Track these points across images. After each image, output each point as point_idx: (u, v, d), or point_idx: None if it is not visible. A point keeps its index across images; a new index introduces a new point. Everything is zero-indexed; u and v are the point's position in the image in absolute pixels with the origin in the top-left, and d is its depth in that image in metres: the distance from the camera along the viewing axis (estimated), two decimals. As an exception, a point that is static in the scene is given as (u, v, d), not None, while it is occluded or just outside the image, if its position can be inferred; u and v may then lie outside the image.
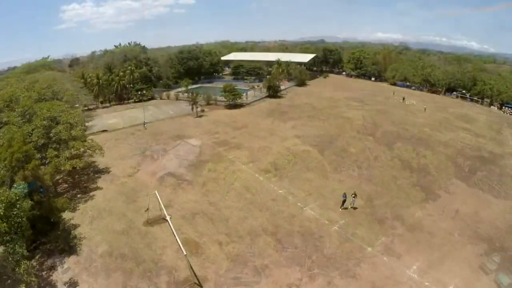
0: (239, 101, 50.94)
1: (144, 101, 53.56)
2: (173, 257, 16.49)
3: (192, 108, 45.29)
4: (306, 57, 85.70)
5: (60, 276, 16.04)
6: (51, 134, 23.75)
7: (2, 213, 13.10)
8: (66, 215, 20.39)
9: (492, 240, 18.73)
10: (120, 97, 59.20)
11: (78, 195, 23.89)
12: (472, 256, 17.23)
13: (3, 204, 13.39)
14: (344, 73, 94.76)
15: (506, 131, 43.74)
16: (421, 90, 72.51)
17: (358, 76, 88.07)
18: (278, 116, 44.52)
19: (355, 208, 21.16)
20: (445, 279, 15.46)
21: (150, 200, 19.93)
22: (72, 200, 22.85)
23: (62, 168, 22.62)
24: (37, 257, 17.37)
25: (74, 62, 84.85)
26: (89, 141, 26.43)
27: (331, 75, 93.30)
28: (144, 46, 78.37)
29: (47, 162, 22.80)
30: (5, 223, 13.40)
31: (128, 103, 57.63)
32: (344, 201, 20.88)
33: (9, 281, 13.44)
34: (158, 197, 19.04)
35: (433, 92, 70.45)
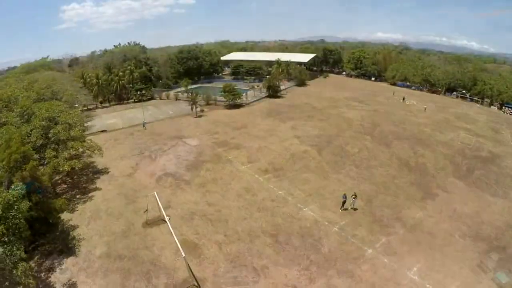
0: (238, 101, 50.85)
1: (144, 101, 53.46)
2: (172, 258, 16.35)
3: (192, 108, 45.19)
4: (306, 57, 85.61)
5: (58, 277, 15.93)
6: (49, 135, 23.68)
7: (-1, 215, 13.00)
8: (64, 216, 20.35)
9: (493, 240, 18.63)
10: (120, 97, 59.14)
11: (77, 196, 23.80)
12: (473, 257, 17.13)
13: (1, 206, 13.31)
14: (344, 73, 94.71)
15: (506, 131, 43.64)
16: (421, 90, 72.45)
17: (358, 76, 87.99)
18: (277, 116, 44.39)
19: (355, 209, 21.04)
20: (446, 281, 15.35)
21: (149, 201, 19.82)
22: (71, 201, 22.78)
23: (61, 169, 22.57)
24: (35, 258, 17.29)
25: (74, 62, 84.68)
26: (88, 141, 26.34)
27: (331, 75, 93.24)
28: (143, 46, 78.34)
29: (45, 162, 22.68)
30: (2, 225, 13.32)
31: (128, 103, 57.56)
32: (344, 202, 20.77)
33: (6, 283, 13.34)
34: (157, 198, 18.93)
35: (433, 92, 70.38)
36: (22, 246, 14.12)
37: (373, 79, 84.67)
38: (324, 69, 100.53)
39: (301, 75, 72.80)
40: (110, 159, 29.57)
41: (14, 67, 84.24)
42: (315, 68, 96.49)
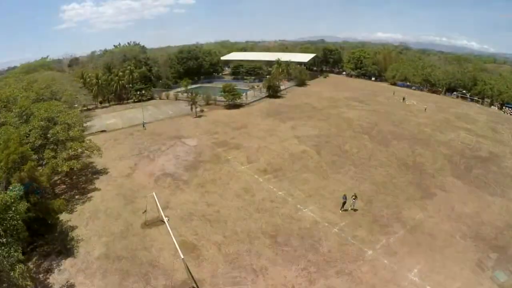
0: (238, 101, 50.77)
1: (144, 101, 53.40)
2: (170, 259, 16.28)
3: (191, 108, 45.11)
4: (306, 57, 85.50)
5: (57, 278, 15.83)
6: (48, 135, 23.59)
7: (-4, 216, 12.91)
8: (63, 216, 20.30)
9: (493, 241, 18.52)
10: (120, 97, 59.06)
11: (76, 196, 23.71)
12: (473, 258, 17.01)
13: (-2, 207, 13.22)
14: (344, 73, 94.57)
15: (506, 131, 43.53)
16: (421, 90, 72.33)
17: (358, 76, 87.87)
18: (277, 116, 44.31)
19: (355, 210, 20.93)
20: (447, 282, 15.24)
21: (147, 202, 19.72)
22: (69, 202, 22.71)
23: (60, 169, 22.48)
24: (34, 259, 17.22)
25: (74, 62, 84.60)
26: (87, 141, 26.28)
27: (331, 75, 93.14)
28: (143, 46, 78.26)
29: (44, 163, 22.59)
30: (0, 226, 13.23)
31: (128, 103, 57.48)
32: (344, 203, 20.64)
33: (4, 285, 13.24)
34: (156, 199, 18.82)
35: (434, 92, 70.26)
36: (20, 248, 14.04)
37: (373, 79, 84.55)
38: (324, 69, 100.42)
39: (301, 75, 72.70)
40: (110, 159, 29.49)
41: (14, 67, 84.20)
42: (315, 68, 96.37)
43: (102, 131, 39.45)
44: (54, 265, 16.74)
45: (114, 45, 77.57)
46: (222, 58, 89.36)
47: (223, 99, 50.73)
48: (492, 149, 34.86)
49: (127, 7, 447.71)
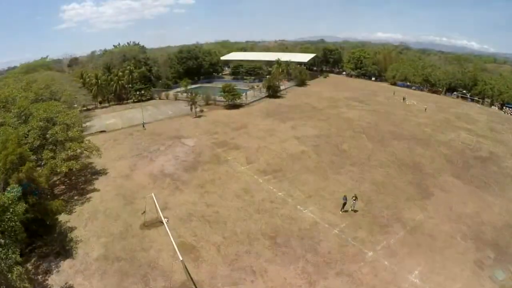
0: (238, 101, 50.67)
1: (143, 101, 53.30)
2: (169, 261, 16.19)
3: (191, 108, 45.01)
4: (306, 57, 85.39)
5: (55, 279, 15.75)
6: (47, 135, 23.49)
7: (-6, 218, 12.82)
8: (62, 217, 20.23)
9: (493, 241, 18.44)
10: (119, 97, 58.99)
11: (75, 197, 23.63)
12: (473, 259, 16.92)
13: (-5, 208, 13.13)
14: (344, 73, 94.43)
15: (507, 132, 43.44)
16: (421, 90, 72.22)
17: (358, 76, 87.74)
18: (277, 117, 44.22)
19: (355, 211, 20.82)
20: (447, 283, 15.15)
21: (146, 203, 19.63)
22: (68, 202, 22.63)
23: (58, 170, 22.39)
24: (32, 261, 17.16)
25: (73, 62, 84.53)
26: (87, 142, 26.21)
27: (331, 75, 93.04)
28: (143, 46, 77.97)
29: (43, 163, 22.50)
30: (-3, 228, 13.15)
31: (127, 103, 57.41)
32: (344, 204, 20.54)
33: (2, 287, 13.15)
34: (155, 200, 18.74)
35: (434, 92, 70.15)
36: (18, 249, 13.95)
37: (373, 79, 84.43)
38: (324, 69, 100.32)
39: (301, 75, 72.58)
40: (109, 160, 29.40)
41: (14, 67, 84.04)
42: (315, 68, 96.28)
43: (102, 131, 39.36)
44: (53, 266, 16.66)
45: (113, 45, 77.29)
46: (222, 58, 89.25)
47: (222, 99, 50.62)
48: (492, 149, 34.77)
49: (127, 7, 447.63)
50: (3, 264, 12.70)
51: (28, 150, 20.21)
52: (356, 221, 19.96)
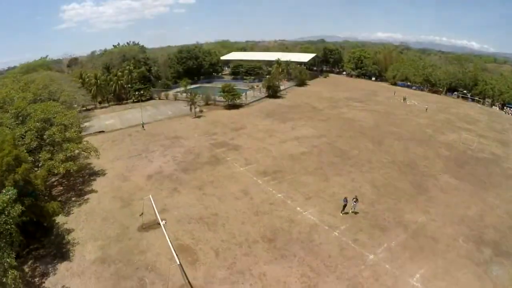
0: (238, 101, 50.44)
1: (143, 101, 53.06)
2: (167, 264, 15.89)
3: (191, 109, 44.77)
4: (306, 57, 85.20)
5: (52, 282, 15.51)
6: (44, 136, 23.23)
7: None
8: (60, 219, 20.03)
9: (496, 244, 18.20)
10: (119, 97, 58.76)
11: (73, 198, 23.40)
12: (476, 262, 16.66)
13: (-10, 211, 12.90)
14: (344, 72, 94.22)
15: (508, 132, 43.24)
16: (422, 90, 71.97)
17: (358, 76, 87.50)
18: (277, 117, 43.99)
19: (356, 213, 20.57)
20: (450, 288, 14.93)
21: (144, 204, 19.40)
22: (66, 204, 22.45)
23: (56, 171, 22.13)
24: (29, 263, 16.95)
25: (73, 62, 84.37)
26: (85, 142, 26.03)
27: (331, 74, 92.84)
28: (142, 46, 77.67)
29: (40, 165, 22.25)
30: (-9, 231, 12.93)
31: (127, 103, 57.19)
32: (345, 206, 20.27)
33: (-4, 291, 12.95)
34: (152, 202, 18.48)
35: (434, 92, 69.93)
36: (13, 253, 13.74)
37: (373, 79, 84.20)
38: (324, 69, 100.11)
39: (301, 75, 72.38)
40: (107, 161, 29.17)
41: (14, 67, 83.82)
42: (315, 68, 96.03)
43: (101, 131, 39.14)
44: (50, 268, 16.45)
45: (113, 45, 76.96)
46: (222, 58, 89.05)
47: (222, 99, 50.40)
48: (494, 150, 34.55)
49: (127, 7, 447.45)
50: (-3, 268, 12.48)
51: (25, 151, 20.01)
52: (356, 223, 19.70)
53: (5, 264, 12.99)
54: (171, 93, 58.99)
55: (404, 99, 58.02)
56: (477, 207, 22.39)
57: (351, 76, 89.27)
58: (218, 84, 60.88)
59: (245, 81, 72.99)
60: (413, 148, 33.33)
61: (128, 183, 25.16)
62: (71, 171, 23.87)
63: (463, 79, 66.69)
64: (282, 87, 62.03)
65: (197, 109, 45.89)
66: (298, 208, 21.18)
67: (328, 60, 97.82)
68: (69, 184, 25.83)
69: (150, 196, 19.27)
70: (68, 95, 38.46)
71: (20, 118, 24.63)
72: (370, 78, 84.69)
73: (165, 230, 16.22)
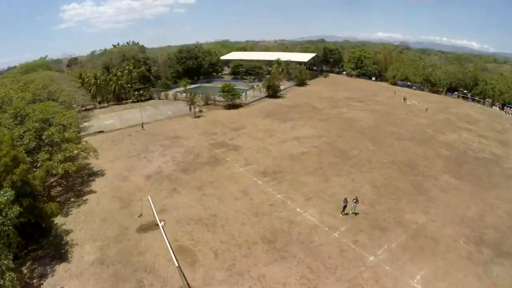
0: (238, 101, 50.32)
1: (142, 101, 52.97)
2: (166, 265, 15.78)
3: (190, 109, 44.65)
4: (306, 57, 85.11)
5: (50, 283, 15.41)
6: (43, 137, 23.11)
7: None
8: (58, 220, 19.95)
9: (497, 245, 18.10)
10: (118, 97, 58.65)
11: (72, 199, 23.29)
12: (477, 263, 16.57)
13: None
14: (344, 72, 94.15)
15: (509, 132, 43.14)
16: (422, 90, 71.87)
17: (358, 76, 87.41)
18: (277, 117, 43.89)
19: (356, 214, 20.46)
20: (450, 289, 14.83)
21: (143, 205, 19.30)
22: (65, 204, 22.35)
23: (54, 172, 22.01)
24: (27, 264, 16.85)
25: (72, 62, 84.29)
26: (84, 143, 25.91)
27: (331, 74, 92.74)
28: (142, 46, 77.49)
29: (38, 165, 22.14)
30: (-12, 233, 12.82)
31: (126, 103, 57.08)
32: (345, 207, 20.16)
33: (-7, 292, 12.85)
34: (151, 203, 18.38)
35: (434, 92, 69.85)
36: (11, 255, 13.64)
37: (373, 78, 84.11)
38: (324, 68, 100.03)
39: (301, 74, 72.27)
40: (106, 161, 29.07)
41: (14, 67, 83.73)
42: (315, 68, 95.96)
43: (100, 131, 39.03)
44: (48, 270, 16.35)
45: (113, 45, 76.82)
46: (222, 57, 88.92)
47: (222, 99, 50.28)
48: (494, 150, 34.46)
49: (127, 7, 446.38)
50: (-6, 270, 12.38)
51: (23, 151, 19.89)
52: (356, 224, 19.60)
53: (2, 266, 12.90)
54: (170, 93, 58.87)
55: (404, 99, 57.91)
56: (477, 207, 22.30)
57: (351, 76, 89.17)
58: (218, 84, 60.76)
59: (245, 81, 72.87)
60: (413, 148, 33.23)
61: (127, 183, 25.05)
62: (70, 171, 23.77)
63: (463, 79, 66.61)
64: (282, 87, 61.93)
65: (197, 109, 45.79)
66: (298, 209, 21.07)
67: (328, 60, 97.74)
68: (68, 185, 25.72)
69: (149, 197, 19.18)
70: (68, 95, 38.36)
71: (19, 118, 24.48)
72: (370, 78, 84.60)
73: (164, 232, 16.11)
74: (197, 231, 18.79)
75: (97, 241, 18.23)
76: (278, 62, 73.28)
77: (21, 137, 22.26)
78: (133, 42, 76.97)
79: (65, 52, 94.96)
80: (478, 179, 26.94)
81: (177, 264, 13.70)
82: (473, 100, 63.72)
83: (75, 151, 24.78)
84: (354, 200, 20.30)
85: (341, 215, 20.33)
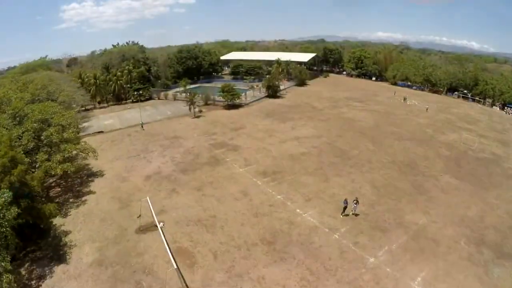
0: (237, 101, 50.23)
1: (142, 101, 52.86)
2: (165, 267, 15.70)
3: (190, 109, 44.55)
4: (306, 57, 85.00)
5: (49, 285, 15.33)
6: (42, 137, 23.01)
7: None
8: (57, 221, 19.87)
9: (497, 246, 18.02)
10: (118, 97, 58.55)
11: (70, 200, 23.20)
12: (478, 264, 16.47)
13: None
14: (344, 72, 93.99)
15: (509, 132, 43.03)
16: (422, 90, 71.75)
17: (358, 76, 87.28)
18: (277, 117, 43.79)
19: (356, 215, 20.35)
20: (451, 291, 14.73)
21: (142, 206, 19.19)
22: (64, 205, 22.27)
23: (53, 172, 21.90)
24: (26, 265, 16.75)
25: (72, 62, 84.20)
26: (83, 143, 25.79)
27: (331, 74, 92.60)
28: (142, 46, 77.32)
29: (37, 166, 22.03)
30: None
31: (126, 103, 56.98)
32: (345, 208, 20.06)
33: (-9, 295, 12.75)
34: (150, 204, 18.29)
35: (435, 92, 69.72)
36: (8, 256, 13.56)
37: (373, 78, 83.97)
38: (324, 68, 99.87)
39: (301, 74, 72.17)
40: (106, 161, 28.98)
41: (14, 67, 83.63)
42: (315, 68, 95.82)
43: (100, 132, 38.94)
44: (47, 271, 16.26)
45: (112, 45, 76.67)
46: (222, 57, 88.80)
47: (222, 99, 50.17)
48: (494, 150, 34.36)
49: (127, 7, 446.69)
50: (-8, 272, 12.29)
51: (22, 152, 19.77)
52: (357, 225, 19.49)
53: (0, 268, 12.81)
54: (170, 93, 58.77)
55: (405, 99, 57.80)
56: (477, 207, 22.21)
57: (351, 76, 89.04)
58: (218, 84, 60.61)
59: (245, 81, 72.75)
60: (414, 148, 33.13)
61: (126, 184, 24.96)
62: (69, 172, 23.67)
63: (463, 79, 66.50)
64: (282, 87, 61.84)
65: (197, 109, 45.70)
66: (298, 210, 20.97)
67: (328, 60, 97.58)
68: (67, 185, 25.62)
69: (148, 198, 19.08)
70: (67, 95, 38.25)
71: (17, 118, 24.38)
72: (370, 78, 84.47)
73: (163, 233, 16.01)
74: (196, 232, 18.69)
75: (96, 242, 18.14)
76: (278, 62, 73.17)
77: (20, 137, 22.14)
78: (133, 42, 76.81)
79: (65, 52, 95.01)
80: (479, 179, 26.85)
81: (176, 266, 13.56)
82: (473, 100, 63.61)
83: (74, 152, 24.70)
84: (355, 201, 20.19)
85: (341, 216, 20.23)
